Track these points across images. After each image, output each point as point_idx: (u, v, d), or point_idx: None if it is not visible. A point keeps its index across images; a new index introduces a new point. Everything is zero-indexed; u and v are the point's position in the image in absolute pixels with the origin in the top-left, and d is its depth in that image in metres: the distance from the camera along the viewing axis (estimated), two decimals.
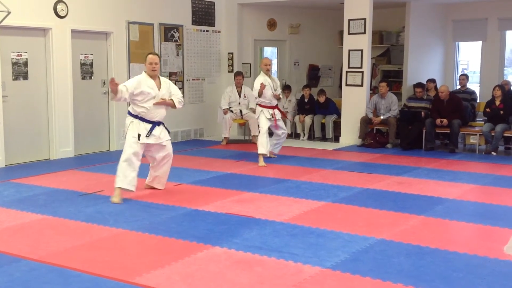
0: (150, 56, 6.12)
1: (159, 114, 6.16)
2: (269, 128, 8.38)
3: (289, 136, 11.26)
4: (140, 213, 5.51)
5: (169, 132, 6.37)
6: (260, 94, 8.15)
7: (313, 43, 12.59)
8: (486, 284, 3.75)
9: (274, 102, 8.43)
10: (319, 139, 10.89)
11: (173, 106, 6.25)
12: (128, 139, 6.06)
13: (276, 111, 8.46)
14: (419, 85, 10.14)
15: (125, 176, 6.01)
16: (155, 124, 6.14)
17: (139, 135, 6.04)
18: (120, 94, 5.87)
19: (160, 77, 6.25)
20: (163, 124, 6.27)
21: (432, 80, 10.82)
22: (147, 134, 6.06)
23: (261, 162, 8.15)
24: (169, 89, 6.24)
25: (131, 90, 5.94)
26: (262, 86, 8.09)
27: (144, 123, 6.09)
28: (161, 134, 6.19)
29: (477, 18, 11.84)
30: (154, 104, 6.05)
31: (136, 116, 6.09)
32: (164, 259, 4.20)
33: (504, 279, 3.84)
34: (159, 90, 6.11)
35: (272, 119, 8.35)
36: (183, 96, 6.28)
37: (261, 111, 8.35)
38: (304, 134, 11.01)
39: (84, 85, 9.09)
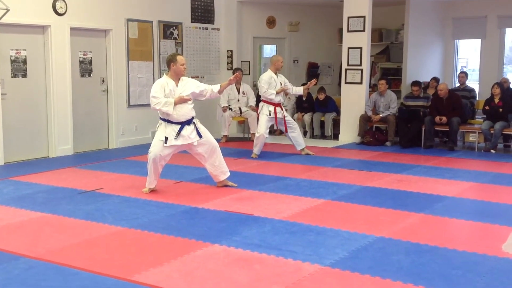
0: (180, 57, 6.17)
1: (184, 113, 6.13)
2: (278, 129, 8.74)
3: None
4: (139, 211, 5.51)
5: (198, 131, 6.25)
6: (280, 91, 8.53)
7: (313, 40, 12.58)
8: (485, 281, 3.75)
9: (277, 100, 8.49)
10: (318, 137, 10.89)
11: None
12: (154, 140, 6.20)
13: (279, 109, 8.54)
14: (415, 83, 10.09)
15: (149, 176, 6.26)
16: (184, 124, 6.13)
17: (166, 138, 6.06)
18: None
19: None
20: (194, 123, 6.23)
21: (436, 79, 10.83)
22: (176, 135, 6.07)
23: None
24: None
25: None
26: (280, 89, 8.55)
27: (172, 125, 6.10)
28: (191, 134, 6.17)
29: (476, 15, 11.84)
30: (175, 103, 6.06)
31: (164, 119, 6.13)
32: (163, 257, 4.20)
33: (503, 276, 3.84)
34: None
35: (271, 116, 8.42)
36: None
37: (262, 107, 8.58)
38: (306, 131, 11.02)
39: (83, 83, 9.08)
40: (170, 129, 6.10)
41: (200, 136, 6.23)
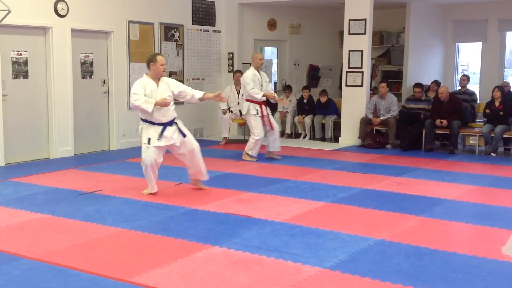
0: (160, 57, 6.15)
1: (166, 114, 6.11)
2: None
3: (289, 136, 11.30)
4: (139, 213, 5.51)
5: (181, 131, 6.23)
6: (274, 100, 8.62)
7: (313, 43, 12.59)
8: (485, 284, 3.75)
9: (262, 98, 8.45)
10: (319, 140, 10.89)
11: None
12: (143, 147, 6.15)
13: (264, 106, 8.50)
14: (418, 85, 10.12)
15: (150, 182, 6.24)
16: (166, 125, 6.12)
17: (149, 139, 6.05)
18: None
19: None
20: (176, 123, 6.21)
21: (437, 82, 10.83)
22: (158, 137, 6.05)
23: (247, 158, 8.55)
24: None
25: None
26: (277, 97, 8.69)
27: (155, 126, 6.08)
28: (173, 134, 6.14)
29: (477, 19, 11.84)
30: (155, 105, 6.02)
31: (145, 121, 6.12)
32: (163, 259, 4.20)
33: (502, 279, 3.84)
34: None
35: (258, 115, 8.40)
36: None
37: (248, 108, 8.45)
38: (305, 134, 11.02)
39: (84, 84, 9.09)
40: (153, 130, 6.10)
41: (184, 135, 6.23)
